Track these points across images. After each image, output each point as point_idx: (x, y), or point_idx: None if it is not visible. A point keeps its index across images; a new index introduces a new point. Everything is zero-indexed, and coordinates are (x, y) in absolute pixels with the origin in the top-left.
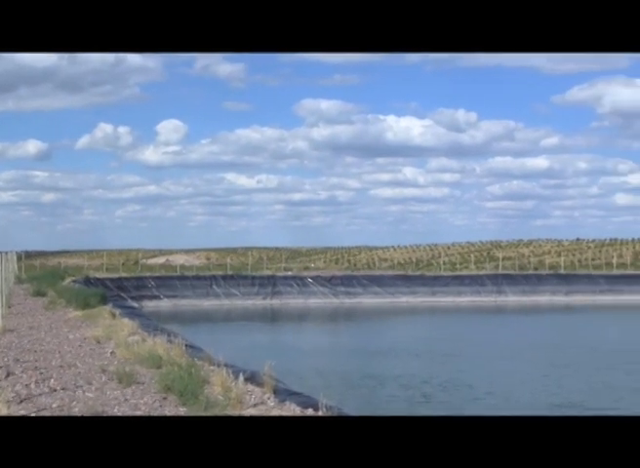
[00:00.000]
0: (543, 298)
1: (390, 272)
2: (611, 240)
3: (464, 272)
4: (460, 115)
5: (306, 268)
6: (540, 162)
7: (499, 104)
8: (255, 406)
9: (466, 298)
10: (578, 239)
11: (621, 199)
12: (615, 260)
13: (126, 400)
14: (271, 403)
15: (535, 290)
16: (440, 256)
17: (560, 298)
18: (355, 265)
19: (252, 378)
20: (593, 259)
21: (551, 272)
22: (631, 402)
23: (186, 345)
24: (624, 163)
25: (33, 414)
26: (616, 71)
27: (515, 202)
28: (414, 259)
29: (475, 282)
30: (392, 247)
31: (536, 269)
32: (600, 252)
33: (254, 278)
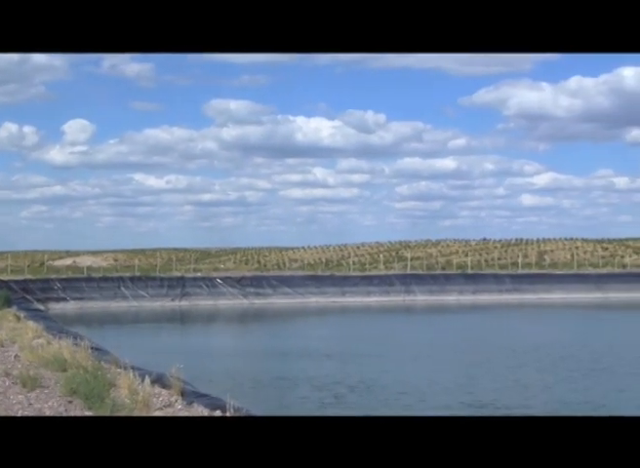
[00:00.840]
0: (451, 298)
1: (300, 272)
2: (516, 240)
3: (373, 272)
4: (370, 116)
5: (216, 269)
6: (448, 163)
7: (407, 106)
8: (162, 408)
9: (375, 298)
10: (484, 239)
11: (527, 200)
12: (520, 260)
13: (30, 404)
14: (179, 405)
15: (442, 289)
16: (349, 257)
17: (467, 297)
18: (265, 266)
19: (159, 381)
20: (499, 259)
21: (459, 272)
22: (542, 400)
23: (92, 348)
24: (530, 164)
25: None
26: (520, 74)
27: (423, 202)
28: (323, 260)
29: (384, 282)
30: (302, 247)
31: (443, 269)
32: (506, 251)
33: (162, 279)
